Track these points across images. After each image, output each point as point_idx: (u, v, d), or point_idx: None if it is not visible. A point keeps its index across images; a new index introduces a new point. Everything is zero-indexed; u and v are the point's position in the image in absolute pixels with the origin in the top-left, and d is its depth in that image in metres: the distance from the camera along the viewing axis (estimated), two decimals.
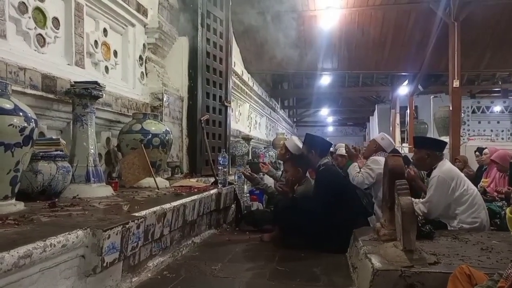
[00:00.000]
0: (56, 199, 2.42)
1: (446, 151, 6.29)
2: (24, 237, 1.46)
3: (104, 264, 1.72)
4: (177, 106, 4.66)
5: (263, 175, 4.70)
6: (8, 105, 1.95)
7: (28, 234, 1.53)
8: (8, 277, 1.29)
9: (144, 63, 4.48)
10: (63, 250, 1.53)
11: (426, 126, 14.76)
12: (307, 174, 3.75)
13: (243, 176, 4.33)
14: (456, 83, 8.14)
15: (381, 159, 3.85)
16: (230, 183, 4.17)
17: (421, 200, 3.11)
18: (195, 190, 3.49)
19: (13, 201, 2.08)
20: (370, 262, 2.06)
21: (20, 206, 2.10)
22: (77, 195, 2.64)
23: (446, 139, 8.20)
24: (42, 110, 2.78)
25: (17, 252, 1.30)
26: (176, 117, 4.63)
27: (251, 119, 9.58)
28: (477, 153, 6.25)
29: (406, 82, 13.82)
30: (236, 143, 6.64)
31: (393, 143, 4.35)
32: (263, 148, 8.79)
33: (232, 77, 6.36)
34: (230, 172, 4.85)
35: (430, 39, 9.74)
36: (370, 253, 2.19)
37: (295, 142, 3.74)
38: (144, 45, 4.47)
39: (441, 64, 10.38)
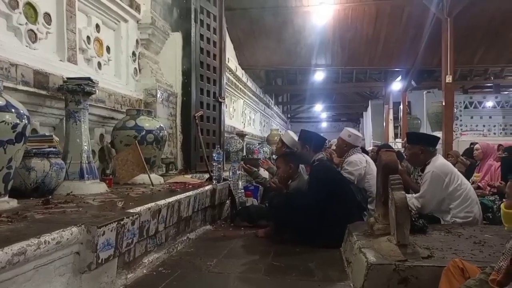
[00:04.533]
0: (50, 196, 2.40)
1: (439, 146, 6.32)
2: (18, 234, 1.44)
3: (99, 261, 1.71)
4: (171, 102, 4.64)
5: (258, 170, 4.71)
6: (0, 102, 1.93)
7: (21, 231, 1.51)
8: (1, 274, 1.28)
9: (137, 59, 4.45)
10: (58, 247, 1.52)
11: (419, 121, 14.85)
12: (302, 169, 3.76)
13: (238, 172, 4.33)
14: (449, 79, 8.20)
15: (355, 158, 3.86)
16: (224, 179, 4.16)
17: (414, 195, 3.13)
18: (190, 186, 3.49)
19: (6, 198, 2.06)
20: (364, 257, 2.07)
21: (13, 203, 2.09)
22: (71, 192, 2.62)
23: (439, 134, 8.27)
24: (34, 106, 2.76)
25: (11, 250, 1.29)
26: (170, 113, 4.61)
27: (245, 115, 9.56)
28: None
29: (399, 77, 13.89)
30: (230, 139, 6.64)
31: (359, 135, 4.23)
32: (257, 144, 8.79)
33: (226, 73, 6.34)
34: (225, 168, 4.84)
35: (423, 34, 9.79)
36: (364, 248, 2.20)
37: (292, 135, 3.74)
38: (137, 40, 4.44)
39: (434, 59, 10.45)
